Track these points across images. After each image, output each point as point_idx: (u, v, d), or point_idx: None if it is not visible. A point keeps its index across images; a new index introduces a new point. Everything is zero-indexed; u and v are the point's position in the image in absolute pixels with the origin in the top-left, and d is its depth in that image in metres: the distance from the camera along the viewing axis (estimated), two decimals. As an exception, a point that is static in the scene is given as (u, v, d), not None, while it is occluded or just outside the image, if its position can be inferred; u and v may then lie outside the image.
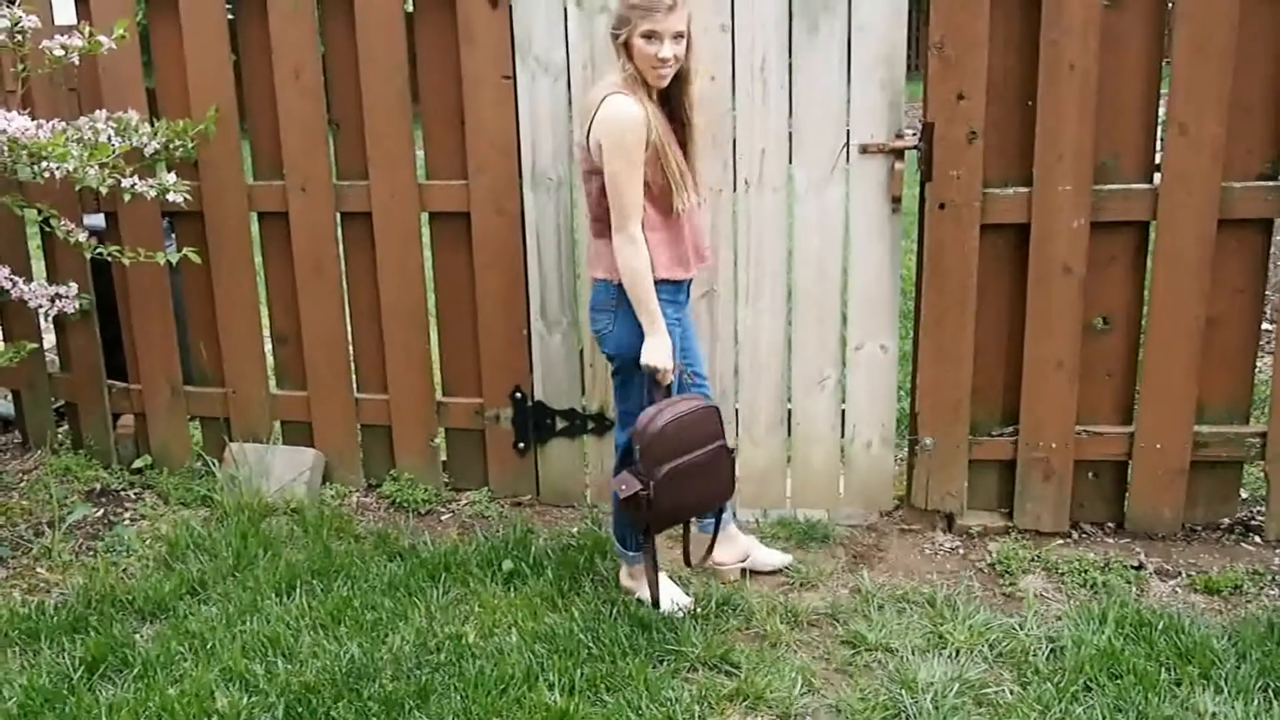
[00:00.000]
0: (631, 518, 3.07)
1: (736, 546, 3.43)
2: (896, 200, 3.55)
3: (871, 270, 3.60)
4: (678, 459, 2.96)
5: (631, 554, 3.27)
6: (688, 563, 3.27)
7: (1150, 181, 3.42)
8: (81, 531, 3.85)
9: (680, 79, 3.03)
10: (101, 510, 4.01)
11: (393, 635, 3.11)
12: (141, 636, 3.19)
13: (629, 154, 2.92)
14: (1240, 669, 2.84)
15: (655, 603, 3.18)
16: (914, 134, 3.50)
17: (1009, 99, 3.42)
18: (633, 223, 2.96)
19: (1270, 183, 3.35)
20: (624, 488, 2.98)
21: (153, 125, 3.75)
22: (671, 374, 3.04)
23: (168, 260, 3.86)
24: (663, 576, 3.31)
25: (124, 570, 3.57)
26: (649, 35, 2.90)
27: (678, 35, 2.92)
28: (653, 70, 2.94)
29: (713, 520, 3.31)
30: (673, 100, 3.06)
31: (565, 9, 3.58)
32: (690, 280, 3.20)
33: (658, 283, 3.01)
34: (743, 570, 3.43)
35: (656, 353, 3.00)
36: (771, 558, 3.46)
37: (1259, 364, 3.66)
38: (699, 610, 3.22)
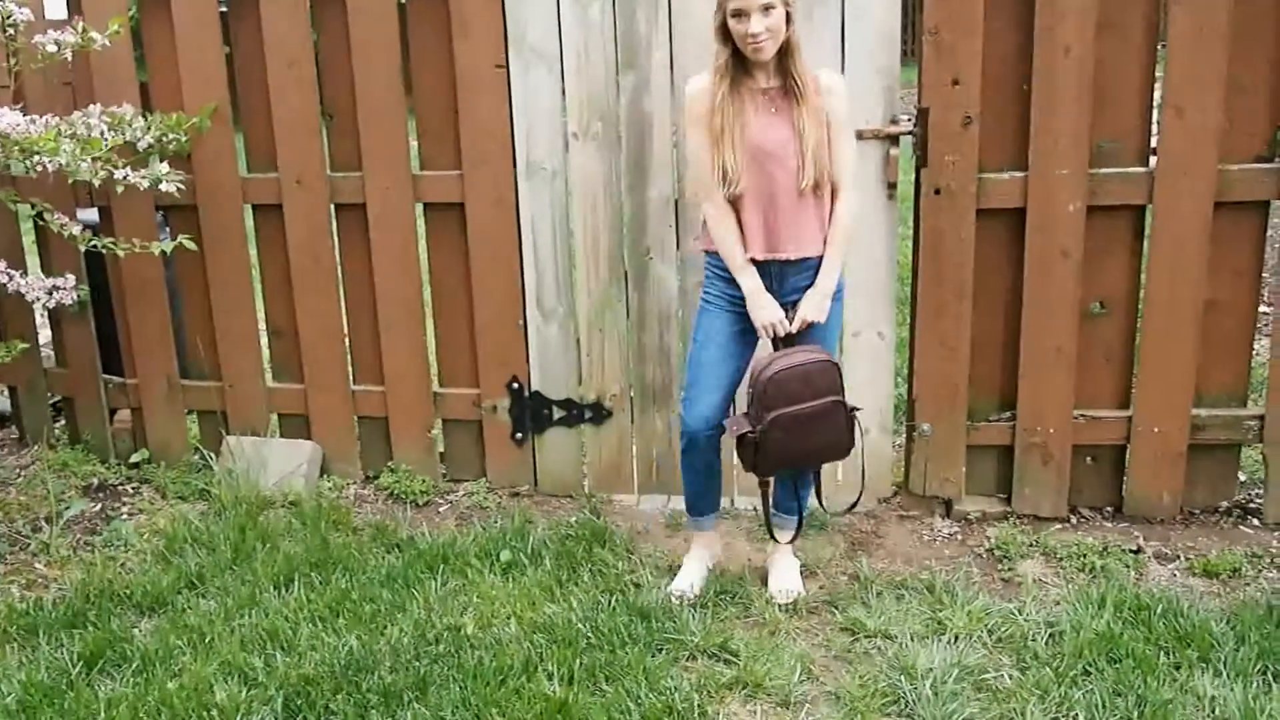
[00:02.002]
0: (741, 458, 3.10)
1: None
2: (892, 186, 3.54)
3: (868, 257, 3.59)
4: (785, 408, 2.98)
5: (695, 520, 3.36)
6: (773, 538, 3.31)
7: (1147, 165, 3.41)
8: (79, 526, 3.84)
9: (786, 51, 2.98)
10: (99, 505, 4.01)
11: (391, 627, 3.11)
12: (140, 631, 3.19)
13: (690, 124, 3.09)
14: (1239, 652, 2.84)
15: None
16: (909, 119, 3.49)
17: (1004, 83, 3.40)
18: (704, 194, 3.09)
19: (1267, 165, 3.34)
20: (735, 428, 3.05)
21: (146, 119, 3.74)
22: (782, 326, 3.07)
23: (162, 253, 3.85)
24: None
25: (122, 565, 3.56)
26: (737, 14, 2.92)
27: (765, 8, 2.90)
28: (749, 47, 2.95)
29: (793, 505, 3.33)
30: (786, 74, 3.02)
31: (558, -3, 3.57)
32: (769, 263, 3.09)
33: (707, 253, 3.18)
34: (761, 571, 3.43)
35: (759, 312, 3.08)
36: (783, 580, 3.31)
37: (1256, 346, 3.65)
38: (697, 599, 3.21)
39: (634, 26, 3.56)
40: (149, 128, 3.72)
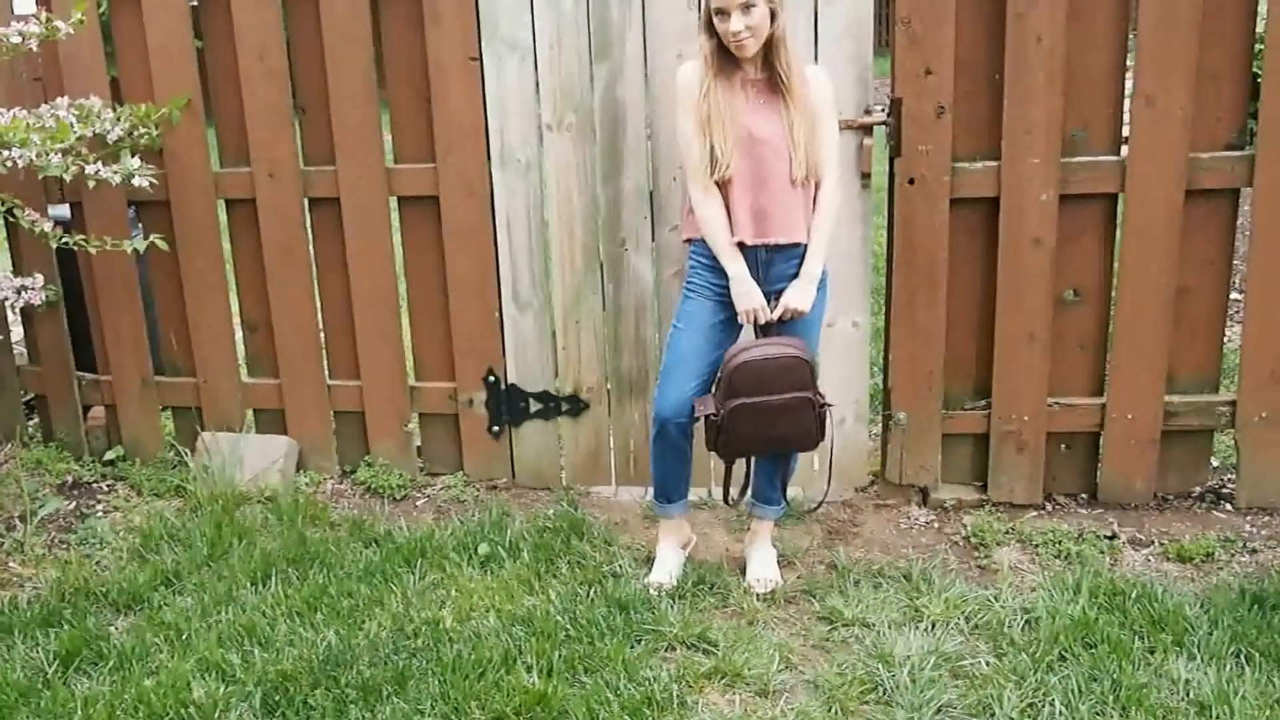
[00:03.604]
0: (706, 437, 3.11)
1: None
2: (866, 176, 3.55)
3: (842, 246, 3.59)
4: (751, 397, 2.99)
5: (663, 506, 3.35)
6: (726, 500, 3.29)
7: (1118, 153, 3.43)
8: (54, 525, 3.82)
9: (771, 45, 3.02)
10: (74, 503, 3.98)
11: (369, 621, 3.10)
12: (116, 629, 3.17)
13: (679, 109, 3.09)
14: (1213, 636, 2.87)
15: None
16: (882, 110, 3.49)
17: (977, 73, 3.42)
18: (692, 179, 3.09)
19: (1237, 152, 3.36)
20: (701, 407, 3.06)
21: (115, 111, 3.70)
22: (764, 313, 3.07)
23: (135, 249, 3.82)
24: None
25: (97, 563, 3.54)
26: (718, 12, 2.96)
27: (746, 6, 2.93)
28: (731, 44, 2.98)
29: (773, 495, 3.34)
30: (773, 67, 3.04)
31: (531, -12, 3.56)
32: (757, 249, 3.09)
33: (691, 242, 3.19)
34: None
35: (742, 299, 3.08)
36: (761, 570, 3.31)
37: (1228, 333, 3.68)
38: (675, 589, 3.22)
39: (607, 16, 3.55)
40: (118, 119, 3.68)
